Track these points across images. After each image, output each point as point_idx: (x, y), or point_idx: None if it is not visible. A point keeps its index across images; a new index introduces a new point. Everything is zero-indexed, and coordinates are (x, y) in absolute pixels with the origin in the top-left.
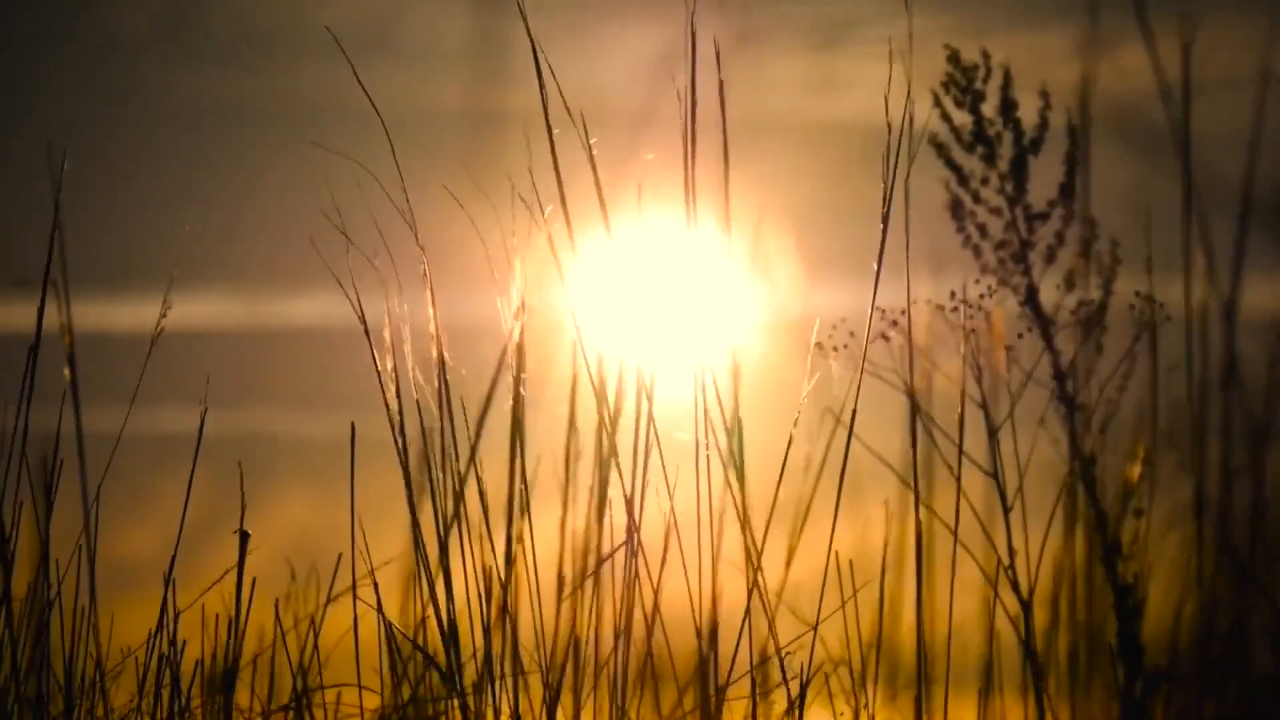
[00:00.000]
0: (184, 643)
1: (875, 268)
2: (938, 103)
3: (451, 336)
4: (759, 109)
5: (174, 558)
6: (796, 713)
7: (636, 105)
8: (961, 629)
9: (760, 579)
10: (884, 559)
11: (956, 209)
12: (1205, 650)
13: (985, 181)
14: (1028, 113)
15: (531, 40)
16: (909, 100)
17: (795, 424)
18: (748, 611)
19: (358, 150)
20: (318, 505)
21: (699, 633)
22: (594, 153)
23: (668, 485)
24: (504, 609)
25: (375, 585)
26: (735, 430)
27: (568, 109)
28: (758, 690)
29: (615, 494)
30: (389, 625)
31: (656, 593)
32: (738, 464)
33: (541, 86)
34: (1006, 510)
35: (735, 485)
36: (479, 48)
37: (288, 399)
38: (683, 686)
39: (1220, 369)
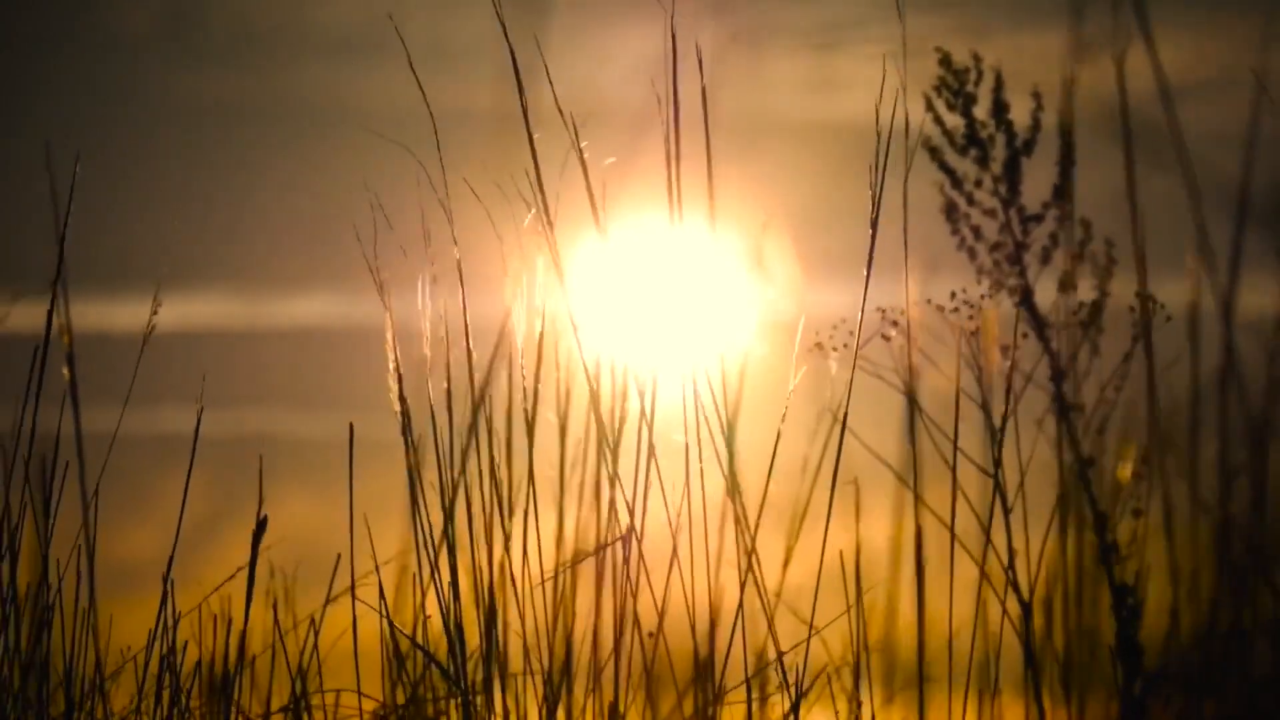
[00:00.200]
0: (185, 644)
1: (865, 272)
2: (930, 106)
3: (455, 337)
4: (757, 109)
5: (171, 559)
6: (793, 716)
7: (633, 106)
8: (961, 630)
9: (758, 580)
10: (885, 560)
11: (951, 211)
12: (1205, 651)
13: (979, 184)
14: (1021, 114)
15: (509, 43)
16: (900, 102)
17: (784, 421)
18: (739, 613)
19: (358, 150)
20: (316, 505)
21: (694, 634)
22: (585, 154)
23: (661, 487)
24: (491, 610)
25: (380, 586)
26: (732, 431)
27: (560, 110)
28: (754, 695)
29: (613, 494)
30: (391, 625)
31: (660, 593)
32: (732, 465)
33: (521, 91)
34: (1006, 511)
35: (733, 486)
36: (479, 48)
37: (287, 399)
38: (681, 690)
39: (1217, 368)
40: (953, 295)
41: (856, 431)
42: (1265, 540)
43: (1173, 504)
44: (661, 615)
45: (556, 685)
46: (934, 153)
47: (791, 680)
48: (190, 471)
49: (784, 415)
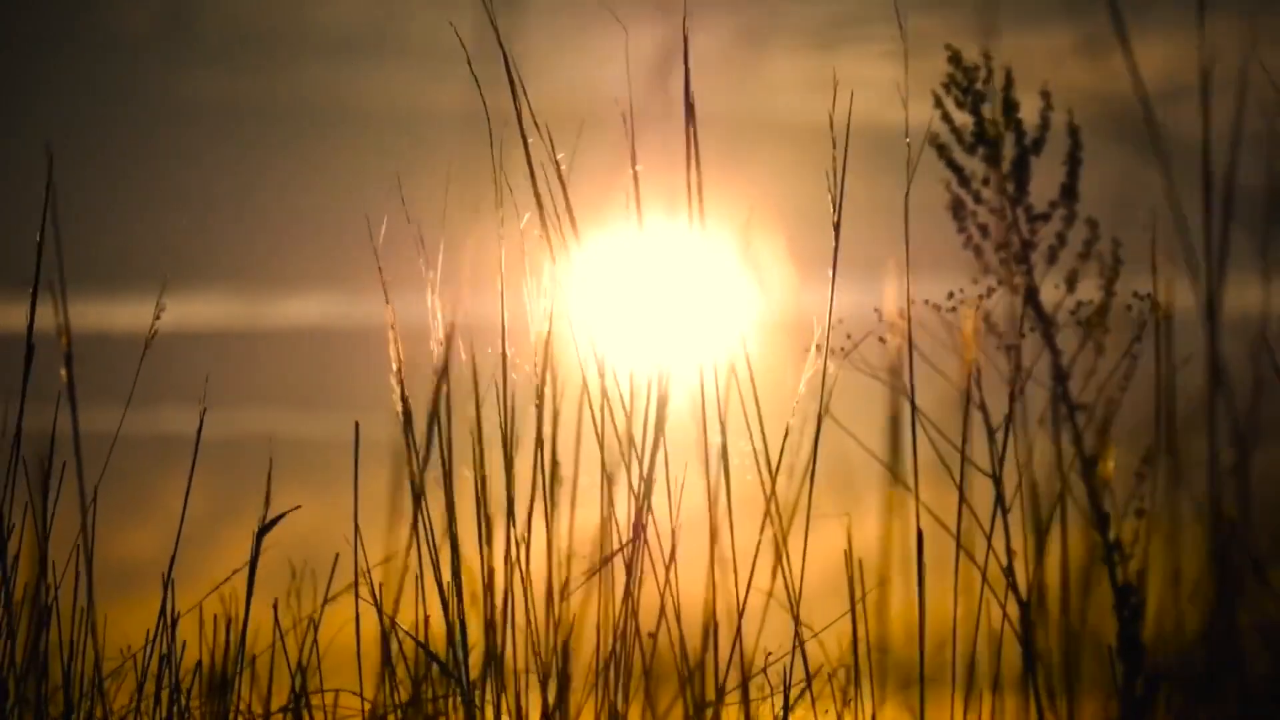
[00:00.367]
0: (183, 644)
1: (832, 272)
2: (939, 103)
3: (462, 337)
4: (757, 109)
5: (173, 558)
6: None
7: (626, 107)
8: (959, 630)
9: (753, 581)
10: (884, 560)
11: (958, 210)
12: (1205, 650)
13: (986, 182)
14: (1029, 113)
15: (503, 50)
16: (896, 102)
17: (782, 422)
18: (740, 614)
19: (356, 150)
20: (316, 506)
21: (683, 638)
22: (566, 159)
23: (668, 487)
24: (482, 613)
25: (379, 585)
26: (730, 432)
27: (535, 121)
28: (748, 698)
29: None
30: (393, 624)
31: (670, 593)
32: (728, 466)
33: (515, 94)
34: (1005, 511)
35: (731, 487)
36: (479, 49)
37: (287, 399)
38: (678, 690)
39: (1206, 369)
40: (950, 295)
41: (856, 433)
42: (1256, 540)
43: (1174, 504)
44: (677, 616)
45: (560, 684)
46: (942, 150)
47: (785, 682)
48: (192, 472)
49: (789, 422)
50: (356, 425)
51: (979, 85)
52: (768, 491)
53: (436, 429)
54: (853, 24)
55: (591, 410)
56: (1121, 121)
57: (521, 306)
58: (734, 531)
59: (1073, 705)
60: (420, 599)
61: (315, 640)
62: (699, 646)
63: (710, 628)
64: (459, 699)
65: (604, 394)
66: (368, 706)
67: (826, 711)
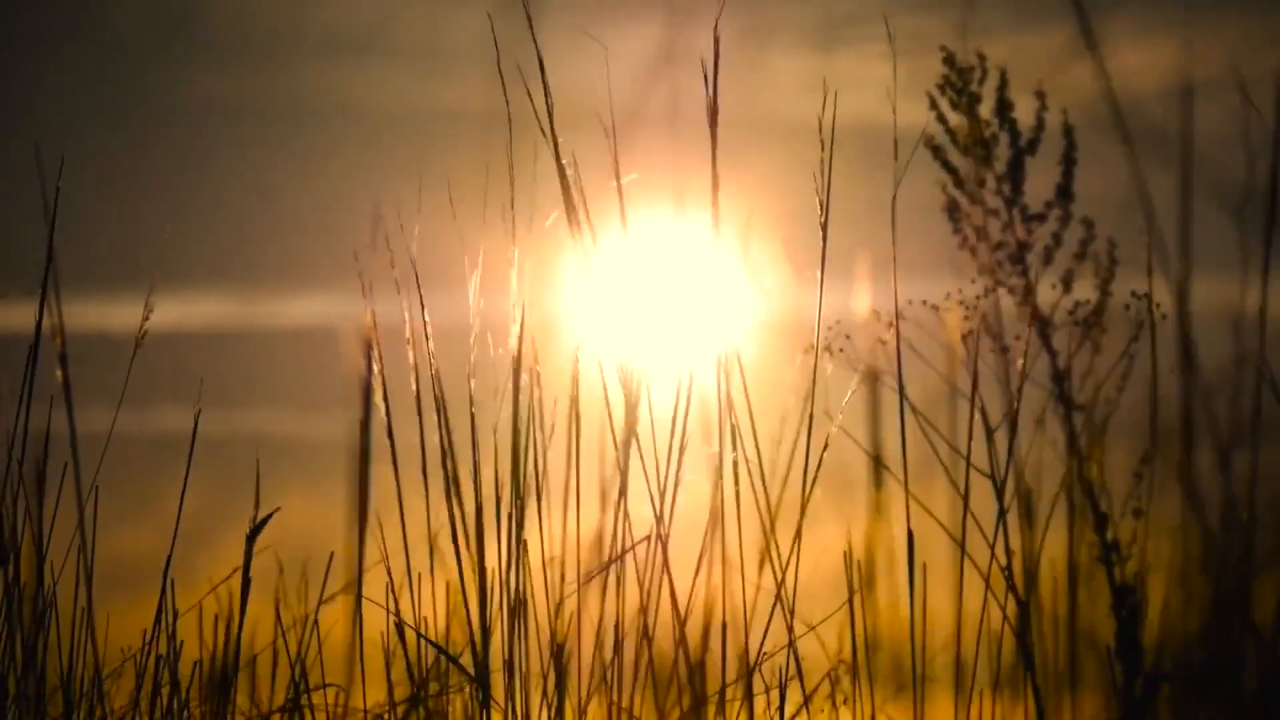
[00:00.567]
0: (181, 643)
1: (818, 272)
2: (934, 105)
3: (465, 336)
4: (757, 108)
5: (169, 558)
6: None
7: (626, 109)
8: (953, 629)
9: (750, 581)
10: (883, 560)
11: (953, 211)
12: (1204, 650)
13: (982, 183)
14: (1024, 113)
15: (538, 49)
16: (893, 103)
17: (781, 422)
18: (747, 613)
19: (357, 150)
20: (317, 505)
21: (685, 638)
22: (584, 160)
23: (655, 486)
24: (513, 610)
25: (392, 585)
26: (728, 432)
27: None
28: (752, 694)
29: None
30: (400, 624)
31: (683, 592)
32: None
33: (546, 93)
34: (1004, 511)
35: (730, 487)
36: (479, 49)
37: (287, 399)
38: (679, 690)
39: (1179, 368)
40: (948, 296)
41: (855, 434)
42: (1244, 541)
43: (1171, 504)
44: (686, 617)
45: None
46: (936, 152)
47: (781, 681)
48: (188, 474)
49: (794, 418)
50: (361, 425)
51: (973, 86)
52: (765, 492)
53: (441, 427)
54: (853, 24)
55: (609, 417)
56: (1115, 121)
57: (531, 306)
58: (729, 532)
59: (1072, 706)
60: (414, 599)
61: (317, 638)
62: (700, 645)
63: (707, 627)
64: (470, 698)
65: (615, 398)
66: (372, 703)
67: (822, 711)
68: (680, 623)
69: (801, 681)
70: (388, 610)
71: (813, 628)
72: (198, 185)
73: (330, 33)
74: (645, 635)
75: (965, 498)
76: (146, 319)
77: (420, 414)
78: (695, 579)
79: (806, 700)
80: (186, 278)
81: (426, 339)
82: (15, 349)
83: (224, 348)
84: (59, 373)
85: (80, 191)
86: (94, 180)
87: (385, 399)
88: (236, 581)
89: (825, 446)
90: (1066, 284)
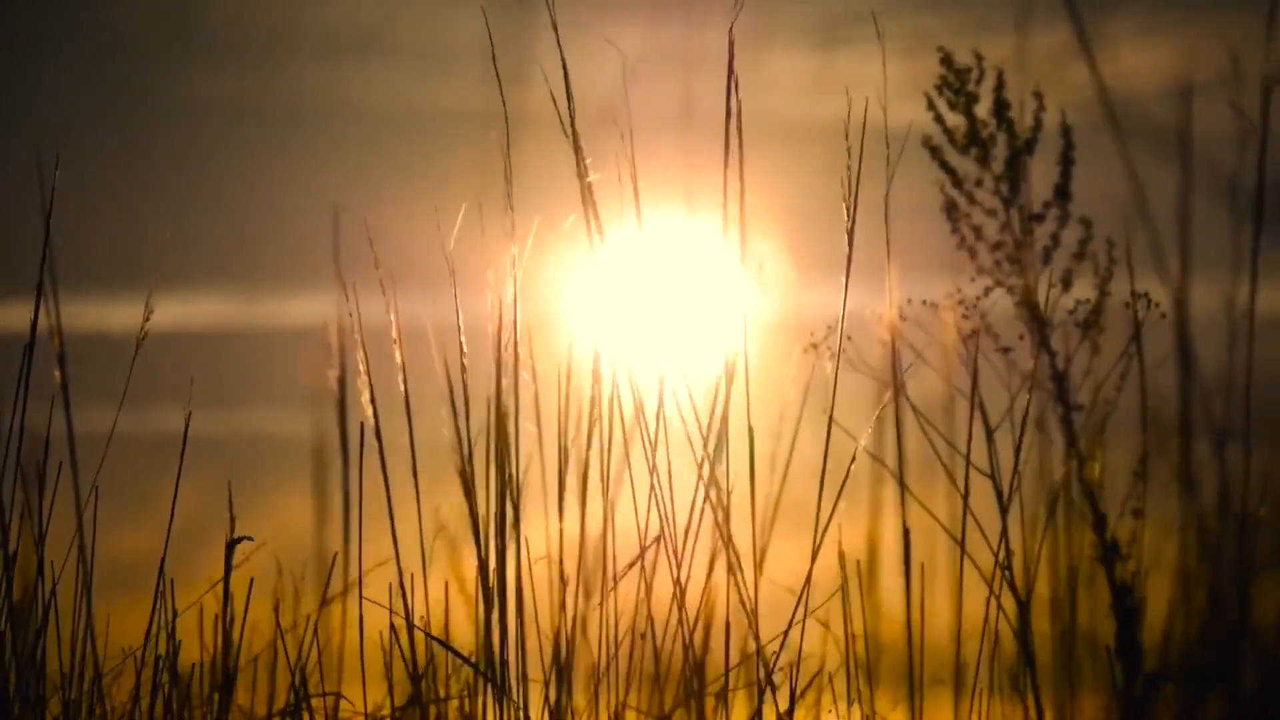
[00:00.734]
0: (179, 642)
1: (844, 274)
2: (931, 105)
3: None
4: (757, 108)
5: (163, 559)
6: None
7: (628, 106)
8: (958, 630)
9: (748, 581)
10: (881, 560)
11: (951, 211)
12: (1204, 650)
13: (980, 183)
14: (1022, 113)
15: (561, 51)
16: (883, 105)
17: (781, 423)
18: (751, 613)
19: (357, 150)
20: (316, 506)
21: (689, 638)
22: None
23: (646, 487)
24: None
25: (402, 586)
26: (728, 433)
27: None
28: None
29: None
30: (410, 625)
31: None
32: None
33: (568, 94)
34: (1004, 511)
35: (729, 487)
36: (479, 49)
37: (287, 399)
38: (676, 688)
39: (1176, 367)
40: (947, 295)
41: (854, 434)
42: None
43: (1170, 504)
44: (699, 618)
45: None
46: (934, 151)
47: (792, 681)
48: (179, 476)
49: (783, 416)
50: (362, 425)
51: (971, 86)
52: (767, 491)
53: (458, 426)
54: (853, 24)
55: (636, 425)
56: (1114, 121)
57: (539, 307)
58: (730, 532)
59: (1071, 705)
60: (408, 598)
61: (318, 643)
62: (702, 643)
63: (709, 625)
64: (472, 697)
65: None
66: (373, 705)
67: (817, 706)
68: (688, 623)
69: (794, 682)
70: (390, 610)
71: (800, 621)
72: (197, 185)
73: (330, 33)
74: (649, 633)
75: (963, 497)
76: (148, 319)
77: (409, 415)
78: (702, 576)
79: (800, 694)
80: (186, 277)
81: (441, 338)
82: (14, 349)
83: (224, 347)
84: (57, 373)
85: (80, 191)
86: (94, 180)
87: (373, 399)
88: (234, 582)
89: (851, 458)
90: (1065, 283)
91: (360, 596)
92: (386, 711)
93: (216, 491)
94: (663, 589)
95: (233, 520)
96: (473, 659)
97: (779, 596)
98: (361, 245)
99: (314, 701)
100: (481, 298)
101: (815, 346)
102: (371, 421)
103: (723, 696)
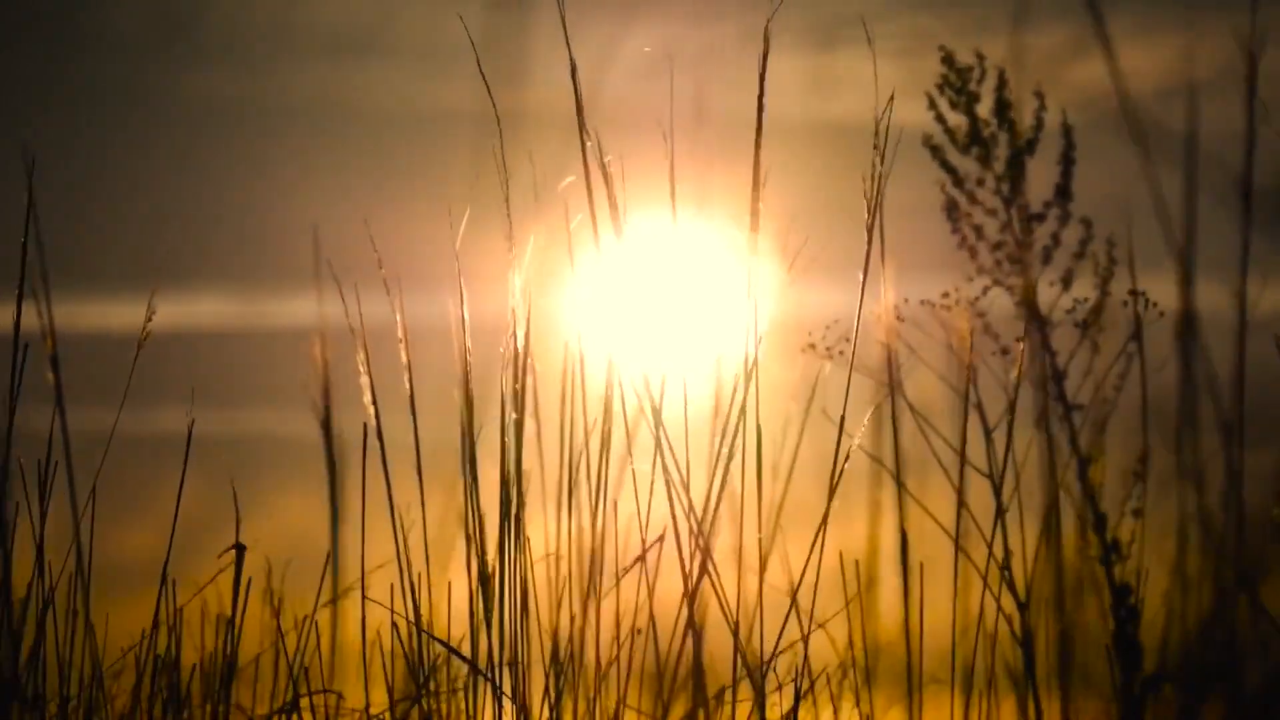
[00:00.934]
0: (177, 642)
1: (861, 274)
2: (933, 105)
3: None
4: (753, 108)
5: (166, 560)
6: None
7: (632, 104)
8: (958, 631)
9: (752, 581)
10: (881, 560)
11: (952, 210)
12: (1204, 650)
13: (981, 183)
14: (1024, 112)
15: (570, 51)
16: (889, 104)
17: (779, 422)
18: (758, 611)
19: (357, 150)
20: (313, 505)
21: (696, 637)
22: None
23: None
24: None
25: (405, 585)
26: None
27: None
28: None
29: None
30: (416, 624)
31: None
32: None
33: (576, 92)
34: (1003, 511)
35: (728, 487)
36: (478, 48)
37: (287, 398)
38: (677, 689)
39: (1180, 368)
40: (946, 295)
41: (854, 434)
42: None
43: (1169, 504)
44: (710, 616)
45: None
46: (935, 151)
47: (795, 678)
48: (183, 480)
49: (783, 416)
50: (365, 427)
51: (972, 86)
52: (768, 492)
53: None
54: (852, 24)
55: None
56: (1115, 120)
57: (543, 306)
58: (729, 531)
59: (1071, 706)
60: (413, 596)
61: (318, 643)
62: (697, 644)
63: (702, 627)
64: (471, 697)
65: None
66: (375, 705)
67: (814, 707)
68: (692, 624)
69: (798, 683)
70: (391, 610)
71: (792, 616)
72: (197, 185)
73: (330, 33)
74: (649, 632)
75: (958, 496)
76: (150, 319)
77: (414, 414)
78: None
79: (803, 695)
80: (186, 277)
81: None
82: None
83: (224, 347)
84: (50, 375)
85: (80, 191)
86: (93, 180)
87: (374, 399)
88: (226, 585)
89: (845, 457)
90: (1066, 283)
91: (363, 596)
92: (386, 711)
93: (217, 491)
94: (663, 589)
95: (238, 525)
96: (471, 658)
97: (777, 597)
98: (361, 245)
99: (315, 699)
100: (484, 297)
101: (814, 346)
102: (373, 421)
103: (721, 698)
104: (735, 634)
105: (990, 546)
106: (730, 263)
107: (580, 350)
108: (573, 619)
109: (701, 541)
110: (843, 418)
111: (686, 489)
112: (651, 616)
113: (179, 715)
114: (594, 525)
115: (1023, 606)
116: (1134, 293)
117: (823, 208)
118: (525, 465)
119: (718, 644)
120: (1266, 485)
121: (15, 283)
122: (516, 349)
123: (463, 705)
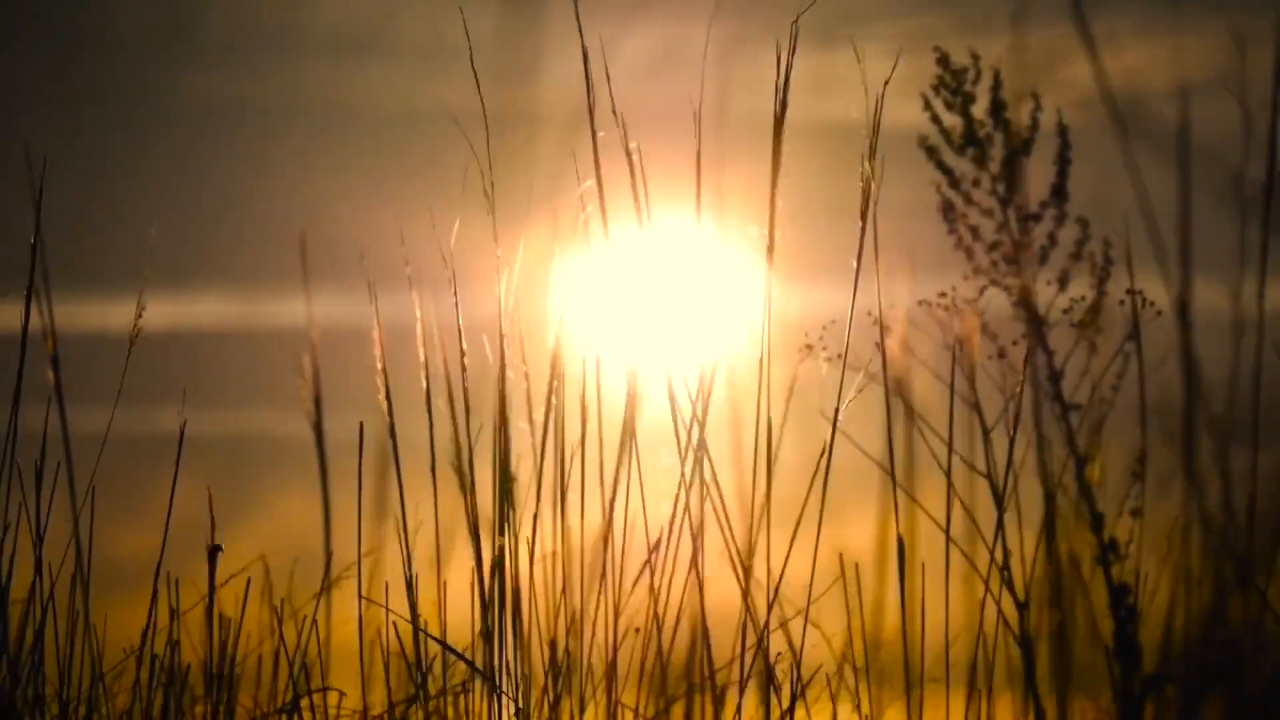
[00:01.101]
0: (175, 643)
1: (855, 268)
2: (928, 105)
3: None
4: (756, 107)
5: (160, 562)
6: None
7: (635, 104)
8: (956, 630)
9: (750, 581)
10: (880, 560)
11: (948, 211)
12: (1203, 650)
13: (977, 183)
14: (1019, 113)
15: (584, 47)
16: (879, 103)
17: (780, 422)
18: (749, 613)
19: (357, 150)
20: (311, 505)
21: (696, 636)
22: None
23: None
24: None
25: (412, 580)
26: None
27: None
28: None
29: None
30: (415, 624)
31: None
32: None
33: (589, 89)
34: (1001, 511)
35: (727, 487)
36: (485, 45)
37: (287, 398)
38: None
39: (1180, 368)
40: (943, 294)
41: (851, 433)
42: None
43: (1168, 504)
44: (713, 614)
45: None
46: (931, 152)
47: (793, 680)
48: (175, 480)
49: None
50: (361, 425)
51: (968, 86)
52: (767, 492)
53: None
54: (853, 23)
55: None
56: (1111, 120)
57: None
58: (728, 531)
59: (1070, 706)
60: (412, 595)
61: (318, 642)
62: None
63: (702, 627)
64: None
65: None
66: (372, 703)
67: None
68: (700, 623)
69: (794, 682)
70: (387, 609)
71: (789, 617)
72: (197, 185)
73: (330, 33)
74: (647, 630)
75: (951, 498)
76: (140, 316)
77: (429, 413)
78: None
79: (801, 692)
80: (186, 277)
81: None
82: (13, 349)
83: (226, 347)
84: (50, 374)
85: (79, 191)
86: (93, 180)
87: (388, 397)
88: (233, 582)
89: (825, 453)
90: (1062, 283)
91: (360, 596)
92: (384, 710)
93: (218, 490)
94: (661, 588)
95: (214, 528)
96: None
97: (777, 596)
98: (362, 246)
99: (314, 698)
100: (481, 297)
101: (810, 347)
102: (386, 420)
103: (721, 697)
104: (743, 632)
105: (992, 551)
106: (740, 261)
107: (572, 349)
108: (571, 620)
109: (734, 544)
110: (836, 416)
111: (719, 489)
112: (656, 616)
113: (179, 715)
114: (606, 518)
115: (1022, 606)
116: (1131, 292)
117: (822, 208)
118: (535, 466)
119: (718, 644)
120: (1266, 486)
121: (22, 283)
122: (503, 351)
123: (463, 705)
